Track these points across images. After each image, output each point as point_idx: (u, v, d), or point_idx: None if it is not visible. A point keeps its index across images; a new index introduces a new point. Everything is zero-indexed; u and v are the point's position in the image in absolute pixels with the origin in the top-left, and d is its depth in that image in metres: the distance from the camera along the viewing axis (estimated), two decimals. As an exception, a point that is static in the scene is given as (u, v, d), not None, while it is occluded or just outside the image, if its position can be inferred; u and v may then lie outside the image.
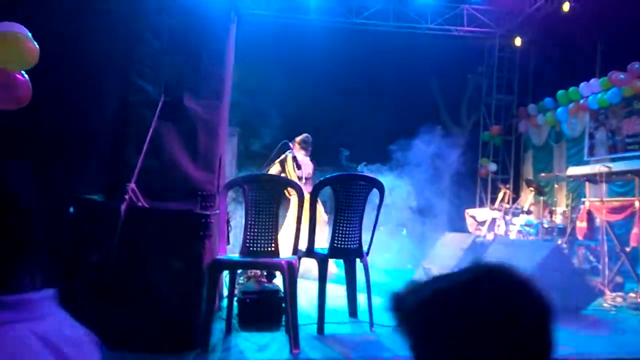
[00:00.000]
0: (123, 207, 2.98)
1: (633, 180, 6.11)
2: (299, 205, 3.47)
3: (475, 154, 11.14)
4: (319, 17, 9.33)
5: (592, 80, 8.27)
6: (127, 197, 3.02)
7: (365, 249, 3.83)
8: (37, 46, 2.59)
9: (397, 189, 7.78)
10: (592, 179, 5.85)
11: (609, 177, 5.69)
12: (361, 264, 3.81)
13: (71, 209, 2.98)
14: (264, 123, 8.39)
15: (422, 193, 9.38)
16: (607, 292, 5.41)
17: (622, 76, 7.44)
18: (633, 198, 5.49)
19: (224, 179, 3.74)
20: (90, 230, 3.00)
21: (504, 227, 7.31)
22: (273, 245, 3.36)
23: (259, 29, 7.87)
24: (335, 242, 3.67)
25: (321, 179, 3.68)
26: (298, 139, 6.03)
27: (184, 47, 3.42)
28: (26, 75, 2.76)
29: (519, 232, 7.41)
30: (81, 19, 3.00)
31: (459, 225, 9.40)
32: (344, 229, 3.67)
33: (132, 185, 3.07)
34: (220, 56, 3.58)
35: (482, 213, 8.32)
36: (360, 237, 3.78)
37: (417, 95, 10.27)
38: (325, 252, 3.69)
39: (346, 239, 3.69)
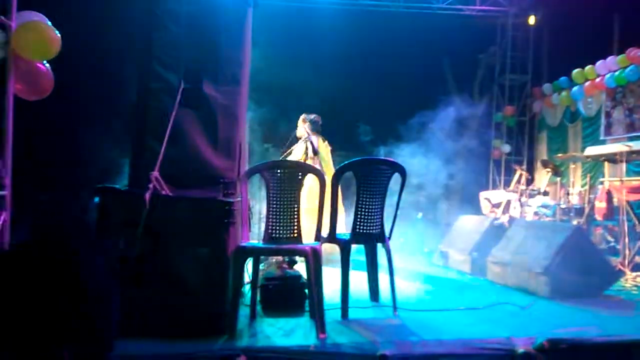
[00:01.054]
0: (147, 195, 2.98)
1: (651, 159, 6.04)
2: (320, 191, 3.45)
3: (488, 135, 11.04)
4: (330, 0, 9.24)
5: (609, 58, 8.12)
6: (151, 185, 3.02)
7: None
8: (59, 35, 2.56)
9: (409, 171, 7.71)
10: (611, 158, 5.78)
11: (629, 156, 5.62)
12: (383, 249, 3.80)
13: (96, 199, 2.99)
14: (278, 108, 8.32)
15: (434, 175, 9.33)
16: (628, 272, 5.38)
17: (640, 53, 7.29)
18: (654, 177, 5.42)
19: (244, 165, 3.72)
20: (115, 220, 3.00)
21: (519, 209, 7.26)
22: (295, 231, 3.36)
23: (268, 13, 7.78)
24: (358, 227, 3.66)
25: (342, 164, 3.65)
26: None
27: (202, 32, 3.37)
28: (48, 65, 2.74)
29: (535, 213, 7.35)
30: (100, 4, 2.96)
31: (472, 208, 9.35)
32: (366, 213, 3.66)
33: (156, 173, 3.06)
34: (239, 41, 3.53)
35: (497, 195, 8.26)
36: (382, 221, 3.77)
37: (429, 77, 10.15)
38: (348, 237, 3.68)
39: (368, 224, 3.67)
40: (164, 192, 3.06)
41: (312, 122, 5.88)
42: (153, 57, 3.29)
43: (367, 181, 3.63)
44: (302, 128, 5.90)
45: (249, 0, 3.63)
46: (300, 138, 5.91)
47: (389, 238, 3.83)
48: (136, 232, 2.94)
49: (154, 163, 3.12)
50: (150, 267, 2.98)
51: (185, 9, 3.33)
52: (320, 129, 5.97)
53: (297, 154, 5.81)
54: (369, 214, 3.66)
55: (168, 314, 2.99)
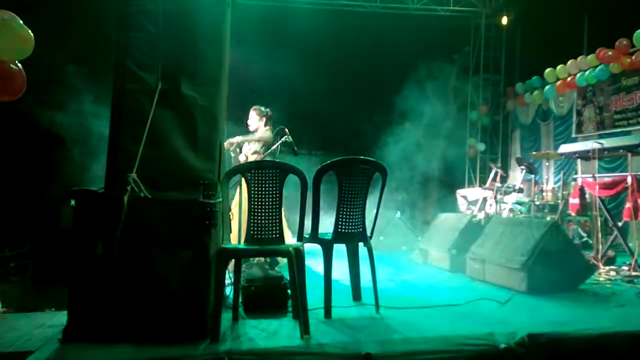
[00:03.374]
0: (126, 198, 2.91)
1: (620, 156, 6.20)
2: (301, 191, 3.43)
3: (463, 134, 11.20)
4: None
5: (580, 58, 8.33)
6: (129, 187, 2.96)
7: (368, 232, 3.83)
8: (32, 35, 2.48)
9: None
10: (584, 155, 5.92)
11: (601, 153, 5.76)
12: (365, 248, 3.81)
13: (73, 202, 2.91)
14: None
15: (410, 174, 9.43)
16: (601, 266, 5.52)
17: (609, 53, 7.49)
18: (625, 174, 5.57)
19: (224, 166, 3.68)
20: (93, 223, 2.93)
21: (495, 206, 7.38)
22: (278, 232, 3.33)
23: (243, 12, 7.73)
24: (340, 227, 3.65)
25: (322, 164, 3.64)
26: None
27: (180, 32, 3.31)
28: (20, 65, 2.65)
29: (510, 210, 7.48)
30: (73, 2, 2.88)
31: (448, 206, 9.47)
32: (348, 213, 3.65)
33: (134, 175, 3.00)
34: (217, 40, 3.48)
35: (473, 193, 8.38)
36: (364, 221, 3.77)
37: (404, 76, 10.26)
38: (330, 237, 3.67)
39: (350, 224, 3.67)
40: (142, 194, 2.99)
41: (268, 117, 5.62)
42: (129, 57, 3.22)
43: (348, 181, 3.62)
44: (258, 121, 5.64)
45: (227, -1, 3.58)
46: (254, 130, 5.63)
47: (371, 237, 3.84)
48: (114, 235, 2.87)
49: (131, 165, 3.05)
50: (129, 270, 2.91)
51: (162, 8, 3.27)
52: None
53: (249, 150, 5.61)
54: (351, 213, 3.66)
55: (149, 318, 2.93)
